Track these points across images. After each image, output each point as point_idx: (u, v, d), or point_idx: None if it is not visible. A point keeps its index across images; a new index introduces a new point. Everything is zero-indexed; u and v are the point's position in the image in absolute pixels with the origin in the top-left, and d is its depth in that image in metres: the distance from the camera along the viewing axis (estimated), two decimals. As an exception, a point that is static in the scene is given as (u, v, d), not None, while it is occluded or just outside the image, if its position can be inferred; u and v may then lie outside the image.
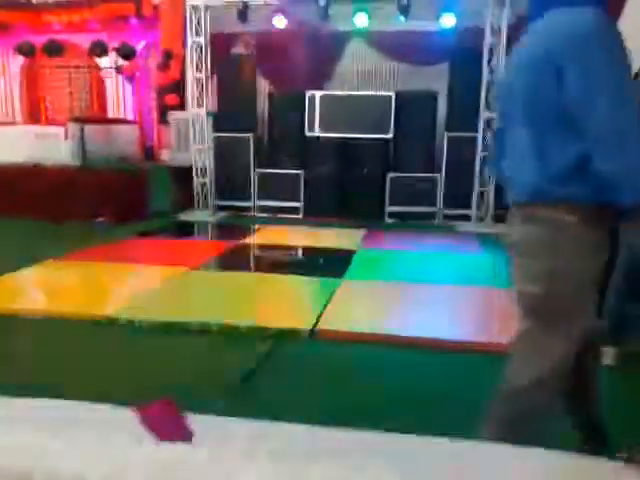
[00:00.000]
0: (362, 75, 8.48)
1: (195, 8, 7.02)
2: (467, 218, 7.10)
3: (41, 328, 3.22)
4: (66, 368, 2.73)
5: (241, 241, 5.62)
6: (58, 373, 2.65)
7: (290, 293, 3.87)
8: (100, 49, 6.71)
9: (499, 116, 1.83)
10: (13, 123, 9.17)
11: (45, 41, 7.86)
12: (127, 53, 7.11)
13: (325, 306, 3.44)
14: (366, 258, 4.96)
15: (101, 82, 9.12)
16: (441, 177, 7.22)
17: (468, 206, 7.06)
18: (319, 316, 3.27)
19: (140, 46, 9.15)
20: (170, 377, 2.61)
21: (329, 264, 4.80)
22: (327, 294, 3.69)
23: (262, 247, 5.58)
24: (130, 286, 3.96)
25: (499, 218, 6.96)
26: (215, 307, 3.48)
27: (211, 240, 6.27)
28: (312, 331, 3.09)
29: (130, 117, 9.26)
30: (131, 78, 9.38)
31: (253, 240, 5.80)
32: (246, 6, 6.90)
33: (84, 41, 8.85)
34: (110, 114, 9.26)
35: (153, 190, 7.50)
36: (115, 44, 7.54)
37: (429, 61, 8.05)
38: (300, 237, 6.30)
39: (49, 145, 7.07)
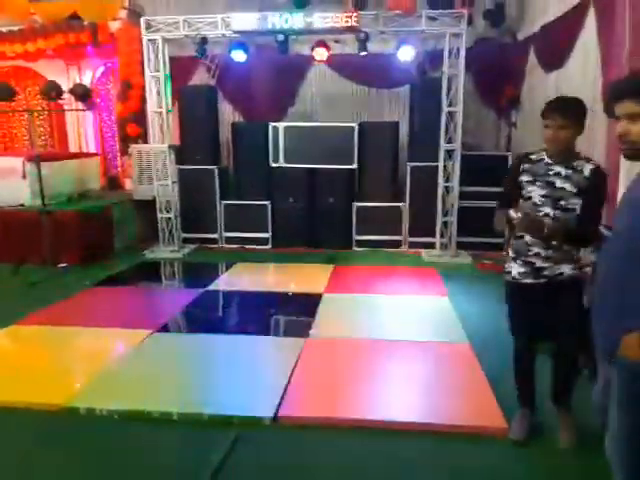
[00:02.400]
0: (324, 99, 8.50)
1: (152, 41, 6.89)
2: (432, 245, 7.18)
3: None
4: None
5: (205, 289, 5.57)
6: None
7: (255, 363, 3.86)
8: (55, 91, 6.51)
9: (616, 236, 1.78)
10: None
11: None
12: (82, 93, 6.93)
13: (287, 384, 3.45)
14: (333, 307, 4.98)
15: (61, 114, 8.90)
16: (405, 206, 7.28)
17: (433, 234, 7.14)
18: (282, 398, 3.27)
19: (98, 72, 8.98)
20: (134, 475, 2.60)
21: (296, 314, 4.82)
22: (290, 364, 3.71)
23: (228, 295, 5.54)
24: (89, 360, 3.88)
25: (461, 246, 7.10)
26: (177, 388, 3.46)
27: (176, 287, 6.13)
28: (274, 418, 3.10)
29: (92, 148, 9.08)
30: (91, 106, 9.18)
31: (218, 286, 5.75)
32: (204, 40, 6.81)
33: (42, 67, 8.68)
34: (72, 146, 9.06)
35: (118, 225, 7.40)
36: (70, 84, 7.36)
37: (390, 84, 8.11)
38: (267, 278, 6.30)
39: (7, 184, 6.86)
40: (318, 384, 3.53)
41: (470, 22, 7.40)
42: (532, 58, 7.23)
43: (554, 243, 2.58)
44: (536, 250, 2.68)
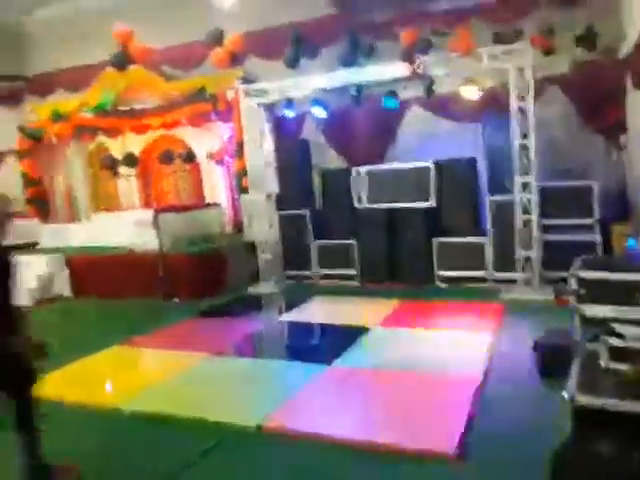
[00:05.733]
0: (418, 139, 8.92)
1: (249, 107, 8.07)
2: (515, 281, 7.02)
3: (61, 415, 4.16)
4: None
5: (274, 319, 6.48)
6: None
7: (270, 382, 4.46)
8: (167, 158, 8.02)
9: None
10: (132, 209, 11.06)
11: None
12: (188, 158, 8.36)
13: (287, 400, 3.97)
14: (373, 339, 5.35)
15: (197, 173, 10.63)
16: (488, 241, 7.25)
17: (515, 269, 6.98)
18: (275, 411, 3.81)
19: (226, 135, 10.55)
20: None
21: (333, 344, 5.29)
22: (301, 385, 4.22)
23: (287, 325, 6.26)
24: (152, 376, 4.87)
25: (546, 281, 6.82)
26: (203, 398, 4.22)
27: (253, 318, 6.82)
28: (259, 427, 3.64)
29: (223, 198, 10.61)
30: (222, 162, 10.79)
31: (285, 317, 6.57)
32: (291, 101, 7.77)
33: (182, 134, 10.53)
34: (207, 197, 10.72)
35: (231, 264, 8.58)
36: (181, 151, 8.91)
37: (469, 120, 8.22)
38: (331, 310, 6.81)
39: (142, 232, 8.48)
40: (315, 403, 3.98)
41: (551, 52, 7.28)
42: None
43: None
44: None
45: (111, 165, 8.94)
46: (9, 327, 2.87)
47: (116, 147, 10.95)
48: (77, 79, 11.02)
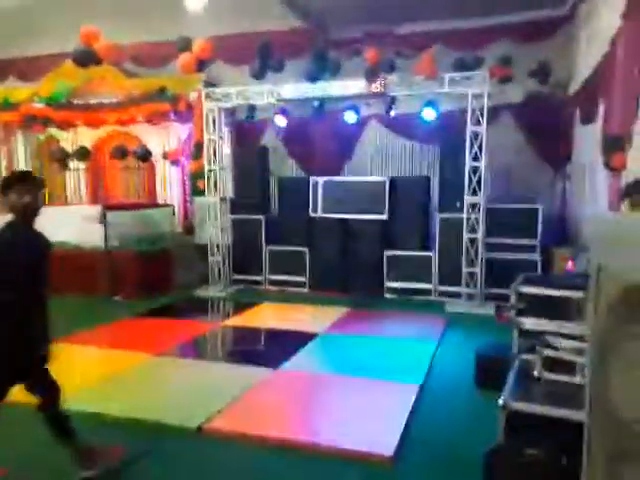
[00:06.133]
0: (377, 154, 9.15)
1: (210, 110, 8.03)
2: (459, 295, 7.24)
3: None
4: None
5: (220, 322, 6.37)
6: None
7: (213, 385, 4.40)
8: (120, 153, 7.86)
9: None
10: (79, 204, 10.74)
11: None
12: (143, 155, 8.23)
13: (230, 402, 3.94)
14: (320, 344, 5.38)
15: (151, 171, 10.46)
16: (435, 255, 7.47)
17: (460, 284, 7.21)
18: (217, 412, 3.77)
19: (184, 135, 10.44)
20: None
21: (281, 349, 5.28)
22: (247, 388, 4.19)
23: (234, 330, 6.19)
24: (91, 375, 4.71)
25: (488, 296, 7.08)
26: (144, 398, 4.11)
27: (199, 321, 6.70)
28: (199, 428, 3.60)
29: (175, 199, 10.46)
30: (177, 162, 10.67)
31: (233, 322, 6.49)
32: (253, 108, 7.80)
33: (138, 131, 10.35)
34: (159, 197, 10.54)
35: (178, 265, 8.45)
36: (136, 148, 8.77)
37: (430, 141, 8.50)
38: (279, 317, 6.81)
39: (89, 228, 8.22)
40: (258, 406, 3.96)
41: (507, 81, 7.62)
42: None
43: None
44: None
45: (62, 158, 8.65)
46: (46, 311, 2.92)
47: (67, 140, 10.65)
48: (31, 68, 10.71)
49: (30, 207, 2.80)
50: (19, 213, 2.79)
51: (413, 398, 4.02)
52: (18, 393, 2.94)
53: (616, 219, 1.51)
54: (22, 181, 2.84)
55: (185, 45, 6.53)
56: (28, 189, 2.79)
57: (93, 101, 9.81)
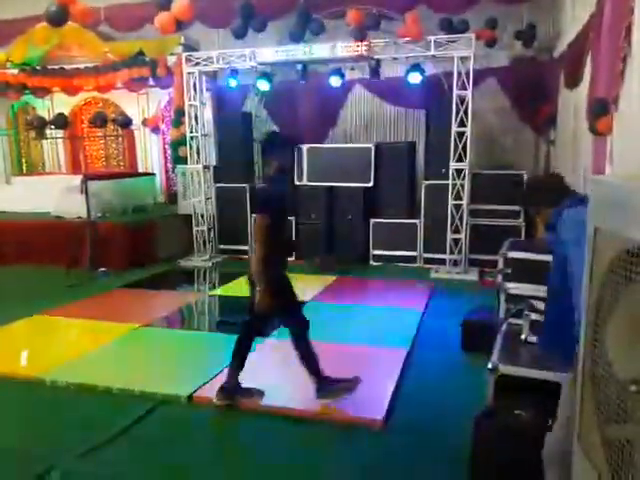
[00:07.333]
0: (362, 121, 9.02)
1: (191, 74, 7.81)
2: (444, 262, 7.29)
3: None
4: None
5: (207, 292, 6.31)
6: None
7: (203, 356, 4.40)
8: (100, 120, 7.64)
9: None
10: (59, 174, 10.48)
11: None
12: (123, 123, 8.01)
13: (218, 372, 3.94)
14: (308, 312, 5.36)
15: (131, 139, 10.22)
16: (420, 222, 7.47)
17: (445, 251, 7.25)
18: (206, 382, 3.77)
19: (164, 101, 10.18)
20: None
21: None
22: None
23: (219, 299, 6.19)
24: (77, 346, 4.68)
25: (472, 262, 7.14)
26: (130, 369, 4.09)
27: (184, 291, 6.78)
28: (190, 397, 3.60)
29: (157, 167, 10.26)
30: (157, 130, 10.43)
31: (218, 291, 6.51)
32: (235, 71, 7.59)
33: (117, 98, 10.07)
34: (140, 166, 10.33)
35: (162, 236, 8.34)
36: (115, 115, 8.53)
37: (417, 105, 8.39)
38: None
39: (71, 198, 8.05)
40: (249, 375, 3.96)
41: (493, 44, 7.51)
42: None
43: None
44: None
45: (39, 126, 8.38)
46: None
47: (43, 107, 10.33)
48: (2, 32, 10.26)
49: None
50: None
51: (401, 363, 4.06)
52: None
53: (618, 183, 1.49)
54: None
55: (165, 3, 6.30)
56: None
57: (69, 67, 9.50)
